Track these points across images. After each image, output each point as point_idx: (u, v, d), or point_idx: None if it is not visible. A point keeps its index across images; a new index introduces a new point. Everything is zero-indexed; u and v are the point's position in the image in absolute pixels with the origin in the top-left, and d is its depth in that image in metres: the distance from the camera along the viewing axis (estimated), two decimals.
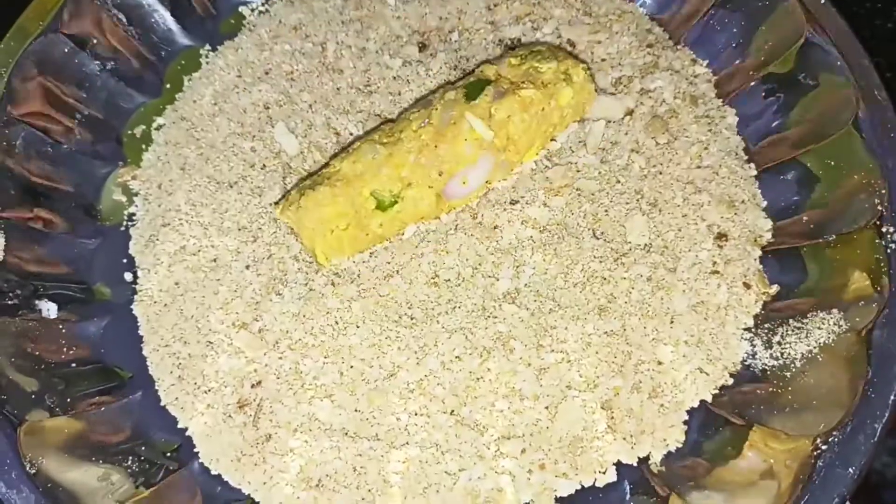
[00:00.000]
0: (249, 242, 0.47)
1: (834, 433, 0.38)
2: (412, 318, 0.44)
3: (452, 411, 0.42)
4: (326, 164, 0.46)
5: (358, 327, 0.44)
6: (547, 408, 0.42)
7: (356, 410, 0.42)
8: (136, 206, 0.50)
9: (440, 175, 0.44)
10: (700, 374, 0.43)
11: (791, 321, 0.43)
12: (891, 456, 0.50)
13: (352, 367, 0.43)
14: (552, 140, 0.48)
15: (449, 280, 0.45)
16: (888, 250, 0.41)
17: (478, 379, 0.43)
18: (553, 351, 0.43)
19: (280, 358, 0.43)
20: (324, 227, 0.43)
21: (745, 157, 0.49)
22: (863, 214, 0.43)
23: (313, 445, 0.41)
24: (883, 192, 0.42)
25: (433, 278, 0.45)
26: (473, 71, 0.48)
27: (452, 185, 0.45)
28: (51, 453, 0.39)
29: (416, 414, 0.42)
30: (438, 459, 0.41)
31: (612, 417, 0.42)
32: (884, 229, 0.42)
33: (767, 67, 0.48)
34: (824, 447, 0.38)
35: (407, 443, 0.42)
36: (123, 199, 0.50)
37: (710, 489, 0.40)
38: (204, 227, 0.47)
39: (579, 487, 0.41)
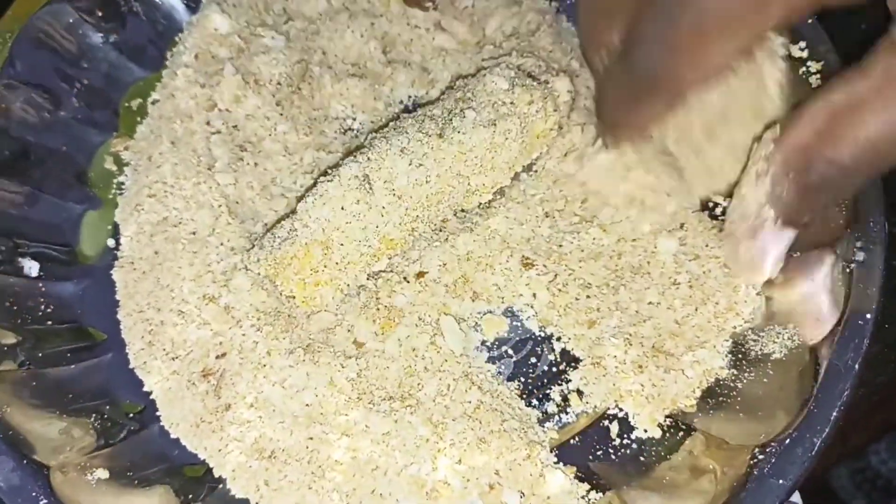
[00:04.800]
0: (223, 218, 0.48)
1: (772, 444, 0.38)
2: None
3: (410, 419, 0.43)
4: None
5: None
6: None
7: (307, 405, 0.43)
8: (126, 175, 0.51)
9: None
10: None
11: (748, 333, 0.44)
12: None
13: (305, 360, 0.44)
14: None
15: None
16: (847, 270, 0.41)
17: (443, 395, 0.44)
18: None
19: (243, 335, 0.45)
20: (300, 278, 0.44)
21: None
22: (826, 234, 0.43)
23: (266, 422, 0.42)
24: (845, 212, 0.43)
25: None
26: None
27: None
28: (16, 403, 0.41)
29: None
30: (389, 453, 0.42)
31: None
32: (846, 249, 0.42)
33: None
34: (761, 457, 0.38)
35: (360, 434, 0.42)
36: (114, 168, 0.52)
37: (648, 489, 0.41)
38: (186, 199, 0.48)
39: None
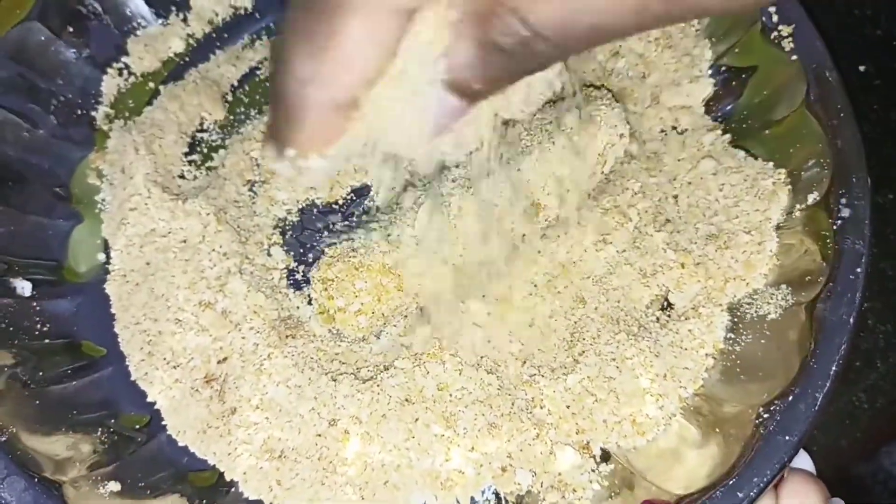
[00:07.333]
0: (212, 226, 0.48)
1: (776, 402, 0.39)
2: None
3: (417, 419, 0.43)
4: None
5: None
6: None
7: (314, 398, 0.43)
8: (105, 190, 0.51)
9: None
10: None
11: (743, 298, 0.44)
12: None
13: (309, 360, 0.45)
14: None
15: None
16: (834, 227, 0.42)
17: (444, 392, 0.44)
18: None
19: (243, 338, 0.45)
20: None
21: None
22: (811, 193, 0.44)
23: (274, 423, 0.43)
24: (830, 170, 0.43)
25: None
26: None
27: None
28: (21, 423, 0.41)
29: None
30: (403, 454, 0.42)
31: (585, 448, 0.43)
32: (831, 206, 0.43)
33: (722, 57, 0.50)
34: (766, 416, 0.39)
35: (371, 440, 0.42)
36: (98, 182, 0.51)
37: (655, 456, 0.41)
38: (171, 209, 0.48)
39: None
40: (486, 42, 0.27)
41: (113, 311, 0.47)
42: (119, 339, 0.47)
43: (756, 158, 0.47)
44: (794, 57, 0.46)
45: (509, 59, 0.27)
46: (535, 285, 0.46)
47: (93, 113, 0.53)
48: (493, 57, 0.28)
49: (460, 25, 0.27)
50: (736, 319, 0.44)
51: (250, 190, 0.51)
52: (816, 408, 0.38)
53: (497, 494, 0.42)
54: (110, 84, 0.53)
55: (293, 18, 0.28)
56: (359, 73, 0.28)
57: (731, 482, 0.37)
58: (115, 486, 0.40)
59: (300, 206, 0.51)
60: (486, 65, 0.28)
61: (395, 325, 0.46)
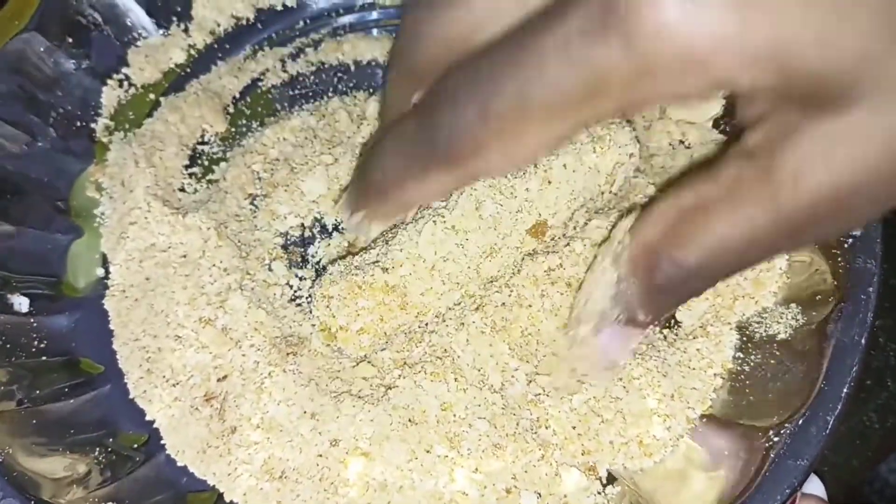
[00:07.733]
0: (212, 241, 0.47)
1: (786, 425, 0.38)
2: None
3: (420, 440, 0.42)
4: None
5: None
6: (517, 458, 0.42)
7: (316, 417, 0.42)
8: (104, 203, 0.51)
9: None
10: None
11: (753, 316, 0.44)
12: None
13: (310, 379, 0.44)
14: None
15: None
16: (845, 245, 0.41)
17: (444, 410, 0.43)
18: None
19: (243, 355, 0.44)
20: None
21: None
22: None
23: (274, 442, 0.42)
24: None
25: None
26: None
27: None
28: (17, 443, 0.40)
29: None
30: (406, 475, 0.41)
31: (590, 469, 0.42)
32: None
33: None
34: (776, 439, 0.38)
35: (374, 460, 0.41)
36: (97, 195, 0.51)
37: (663, 478, 0.40)
38: (171, 224, 0.48)
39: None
40: (649, 284, 0.33)
41: (111, 327, 0.47)
42: (118, 356, 0.46)
43: None
44: None
45: (668, 296, 0.33)
46: (541, 302, 0.45)
47: (92, 125, 0.52)
48: (654, 295, 0.33)
49: (628, 275, 0.34)
50: (745, 339, 0.43)
51: (252, 204, 0.51)
52: (828, 431, 0.38)
53: None
54: (110, 95, 0.53)
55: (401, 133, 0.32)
56: (510, 157, 0.31)
57: None
58: None
59: (302, 222, 0.50)
60: (652, 302, 0.34)
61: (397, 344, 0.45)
